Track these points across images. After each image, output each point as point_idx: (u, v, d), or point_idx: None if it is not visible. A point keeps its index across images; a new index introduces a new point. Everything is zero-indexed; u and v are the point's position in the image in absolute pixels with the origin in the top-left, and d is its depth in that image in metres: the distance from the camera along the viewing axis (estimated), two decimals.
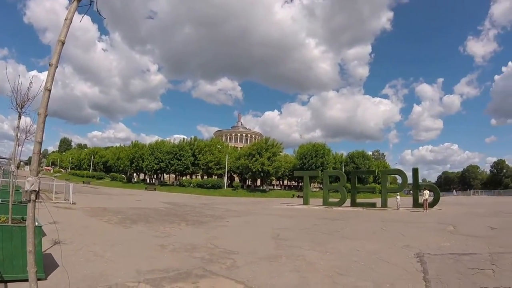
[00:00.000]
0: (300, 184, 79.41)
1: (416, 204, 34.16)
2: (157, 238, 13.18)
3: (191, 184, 76.62)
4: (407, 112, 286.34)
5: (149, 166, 79.90)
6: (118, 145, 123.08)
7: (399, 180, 45.77)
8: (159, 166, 79.35)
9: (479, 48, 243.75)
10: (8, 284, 6.56)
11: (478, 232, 16.17)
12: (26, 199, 3.75)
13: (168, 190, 70.46)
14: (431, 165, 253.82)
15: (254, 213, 27.96)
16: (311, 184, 71.30)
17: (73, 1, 4.03)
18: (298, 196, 59.52)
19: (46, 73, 3.76)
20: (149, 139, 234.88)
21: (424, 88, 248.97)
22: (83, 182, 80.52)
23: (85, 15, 4.62)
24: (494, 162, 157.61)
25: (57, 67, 3.81)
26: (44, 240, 8.84)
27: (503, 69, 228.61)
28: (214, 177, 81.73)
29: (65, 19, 3.89)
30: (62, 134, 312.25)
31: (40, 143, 3.73)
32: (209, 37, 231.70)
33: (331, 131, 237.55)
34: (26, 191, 3.73)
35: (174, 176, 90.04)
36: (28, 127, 9.96)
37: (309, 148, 79.04)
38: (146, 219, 19.64)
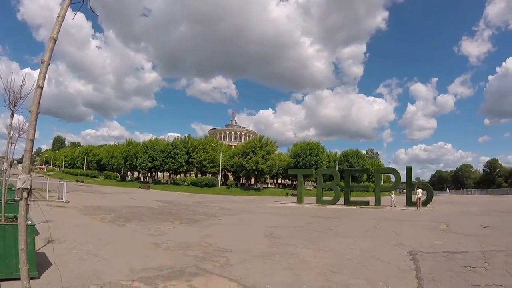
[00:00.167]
0: (294, 183, 79.55)
1: (410, 202, 34.32)
2: (150, 237, 13.17)
3: (185, 183, 76.42)
4: (401, 111, 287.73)
5: (143, 164, 79.57)
6: (112, 143, 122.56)
7: (393, 178, 45.84)
8: (153, 164, 79.07)
9: (473, 48, 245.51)
10: (2, 283, 6.53)
11: (471, 231, 16.30)
12: (18, 197, 3.74)
13: (162, 189, 70.30)
14: (424, 164, 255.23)
15: (248, 211, 27.97)
16: (305, 183, 71.39)
17: None
18: (292, 195, 59.55)
19: (39, 70, 3.75)
20: (143, 137, 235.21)
21: (418, 88, 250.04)
22: (77, 181, 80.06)
23: (79, 12, 4.60)
24: (487, 162, 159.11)
25: (49, 64, 3.79)
26: (37, 238, 8.81)
27: (497, 69, 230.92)
28: (208, 176, 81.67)
29: (57, 16, 3.86)
30: (55, 132, 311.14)
31: (32, 140, 3.71)
32: (204, 35, 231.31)
33: (326, 130, 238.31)
34: (18, 188, 3.71)
35: (168, 174, 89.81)
36: (21, 125, 9.91)
37: (303, 147, 79.08)
38: (139, 217, 19.61)
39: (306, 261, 9.72)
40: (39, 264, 7.40)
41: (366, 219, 22.87)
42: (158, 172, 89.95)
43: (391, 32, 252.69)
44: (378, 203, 35.55)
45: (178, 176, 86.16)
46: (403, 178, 38.81)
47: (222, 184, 77.21)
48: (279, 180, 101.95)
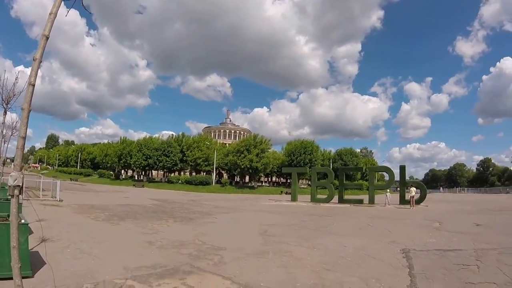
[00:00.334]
0: (289, 181, 79.49)
1: (403, 201, 34.51)
2: (144, 235, 13.15)
3: (179, 181, 76.32)
4: (396, 110, 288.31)
5: (137, 162, 79.26)
6: (106, 141, 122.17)
7: (387, 177, 45.98)
8: (147, 162, 78.78)
9: (468, 48, 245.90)
10: None
11: (464, 229, 16.42)
12: (9, 195, 3.73)
13: (156, 187, 70.19)
14: (418, 162, 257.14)
15: (242, 209, 27.99)
16: (299, 181, 71.25)
17: None
18: (286, 193, 59.67)
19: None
20: (137, 135, 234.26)
21: (413, 87, 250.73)
22: (71, 179, 79.76)
23: (74, 9, 4.59)
24: (481, 161, 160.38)
25: (41, 61, 3.78)
26: (31, 237, 8.77)
27: (491, 69, 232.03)
28: (203, 174, 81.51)
29: (49, 14, 3.85)
30: (49, 130, 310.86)
31: (24, 138, 3.71)
32: (199, 33, 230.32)
33: (320, 128, 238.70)
34: (10, 186, 3.70)
35: (163, 172, 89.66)
36: (14, 123, 9.90)
37: (297, 145, 79.11)
38: (134, 216, 19.57)
39: (300, 259, 9.75)
40: (33, 263, 7.37)
41: (360, 217, 22.98)
42: (152, 171, 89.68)
43: (386, 32, 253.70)
44: (372, 201, 35.69)
45: (172, 175, 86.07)
46: (397, 177, 38.99)
47: (217, 183, 77.13)
48: (274, 179, 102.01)
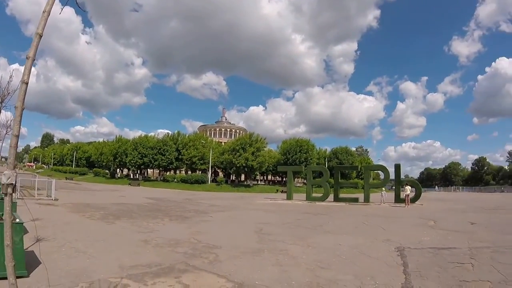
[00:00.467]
0: (284, 179, 79.74)
1: (398, 199, 34.63)
2: (140, 234, 13.14)
3: (175, 179, 76.31)
4: (391, 109, 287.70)
5: (132, 161, 79.11)
6: (101, 140, 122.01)
7: (382, 176, 46.13)
8: (142, 161, 78.66)
9: (463, 48, 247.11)
10: None
11: (458, 227, 16.50)
12: (3, 193, 3.72)
13: (152, 186, 70.17)
14: (413, 161, 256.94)
15: (238, 208, 28.02)
16: (295, 179, 71.46)
17: None
18: (282, 191, 59.71)
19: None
20: (133, 134, 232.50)
21: (408, 86, 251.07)
22: (66, 178, 79.62)
23: (69, 7, 4.58)
24: (476, 160, 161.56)
25: (34, 60, 3.77)
26: (26, 237, 8.74)
27: (487, 69, 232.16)
28: (198, 172, 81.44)
29: (43, 12, 3.84)
30: (44, 129, 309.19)
31: (17, 136, 3.69)
32: (195, 31, 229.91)
33: (316, 127, 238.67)
34: (3, 184, 3.69)
35: (158, 171, 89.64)
36: (8, 122, 9.85)
37: (292, 144, 79.18)
38: (129, 214, 19.55)
39: (295, 257, 9.77)
40: (28, 263, 7.35)
41: (355, 215, 23.04)
42: (148, 169, 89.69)
43: (382, 31, 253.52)
44: (367, 199, 35.78)
45: (168, 173, 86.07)
46: (392, 175, 39.04)
47: (212, 181, 77.21)
48: (269, 177, 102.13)
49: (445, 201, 42.57)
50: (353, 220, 20.09)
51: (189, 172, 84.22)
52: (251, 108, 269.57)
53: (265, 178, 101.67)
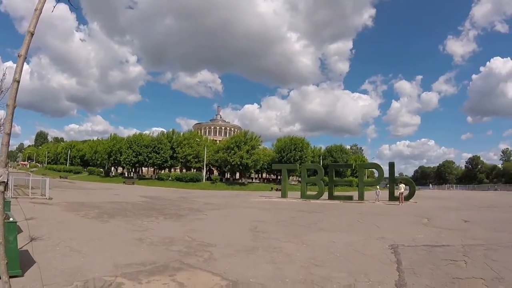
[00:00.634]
0: (279, 177, 79.66)
1: (392, 197, 34.76)
2: (134, 232, 13.14)
3: (170, 178, 76.16)
4: (386, 108, 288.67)
5: (127, 159, 78.84)
6: (95, 138, 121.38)
7: (376, 174, 46.29)
8: (137, 159, 78.43)
9: (458, 47, 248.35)
10: None
11: (452, 225, 16.60)
12: None
13: (147, 184, 69.99)
14: (408, 159, 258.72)
15: (233, 206, 28.01)
16: (290, 178, 71.63)
17: None
18: (277, 189, 59.68)
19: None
20: (127, 132, 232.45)
21: (403, 85, 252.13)
22: (60, 177, 79.36)
23: (63, 4, 4.56)
24: (469, 158, 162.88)
25: (26, 58, 3.76)
26: (20, 236, 8.73)
27: (481, 69, 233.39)
28: (193, 171, 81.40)
29: (35, 10, 3.83)
30: (38, 127, 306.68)
31: (9, 134, 3.69)
32: (190, 28, 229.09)
33: (310, 125, 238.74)
34: None
35: (153, 169, 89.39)
36: (1, 121, 9.80)
37: (287, 142, 79.21)
38: (123, 213, 19.53)
39: (289, 254, 9.81)
40: (22, 262, 7.34)
41: (349, 213, 23.10)
42: (143, 168, 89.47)
43: (377, 30, 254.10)
44: (361, 197, 35.85)
45: (162, 171, 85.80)
46: (386, 174, 39.21)
47: (207, 179, 77.06)
48: (264, 175, 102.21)
49: (439, 199, 42.76)
50: (347, 218, 20.15)
51: (184, 171, 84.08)
52: (246, 106, 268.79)
53: (259, 176, 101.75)
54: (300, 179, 53.37)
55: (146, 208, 23.19)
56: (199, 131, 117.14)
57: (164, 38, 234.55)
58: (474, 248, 10.81)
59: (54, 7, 4.43)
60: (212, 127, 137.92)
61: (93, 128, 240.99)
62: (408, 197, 34.31)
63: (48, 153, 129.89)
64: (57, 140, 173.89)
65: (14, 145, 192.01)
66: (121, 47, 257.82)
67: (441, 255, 9.78)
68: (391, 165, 38.77)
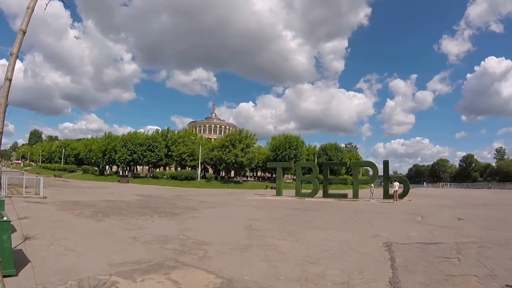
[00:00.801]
0: (274, 176, 79.69)
1: (387, 195, 34.88)
2: (129, 231, 13.12)
3: (165, 176, 75.93)
4: (380, 106, 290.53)
5: (121, 158, 78.42)
6: (90, 136, 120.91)
7: (371, 172, 46.49)
8: (132, 158, 78.03)
9: (453, 47, 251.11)
10: None
11: (446, 223, 16.73)
12: None
13: (141, 182, 69.78)
14: (402, 158, 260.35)
15: (227, 204, 28.00)
16: (285, 176, 71.59)
17: None
18: (272, 187, 59.67)
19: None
20: (122, 130, 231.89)
21: (398, 84, 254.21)
22: (54, 176, 78.97)
23: (57, 1, 4.54)
24: (463, 157, 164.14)
25: (18, 56, 3.76)
26: (14, 236, 8.70)
27: (476, 68, 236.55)
28: (188, 169, 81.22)
29: (27, 8, 3.82)
30: (32, 126, 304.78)
31: (1, 133, 3.68)
32: (185, 26, 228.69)
33: (305, 123, 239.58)
34: None
35: (148, 168, 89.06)
36: None
37: (281, 140, 79.09)
38: (118, 211, 19.48)
39: (284, 252, 9.85)
40: (17, 262, 7.31)
41: (344, 211, 23.18)
42: (137, 166, 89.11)
43: (373, 29, 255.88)
44: (356, 195, 35.95)
45: (157, 170, 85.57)
46: (381, 172, 39.33)
47: (202, 178, 76.92)
48: (259, 173, 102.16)
49: (433, 197, 42.96)
50: (342, 216, 20.21)
51: (179, 169, 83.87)
52: (241, 104, 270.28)
53: (254, 175, 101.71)
54: (295, 177, 53.41)
55: (141, 206, 23.14)
56: (194, 129, 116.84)
57: (159, 36, 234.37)
58: (468, 245, 10.90)
59: (47, 4, 4.42)
60: (207, 125, 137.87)
61: (88, 126, 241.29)
62: (402, 195, 34.50)
63: (42, 151, 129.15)
64: (51, 138, 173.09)
65: (7, 144, 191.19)
66: (115, 45, 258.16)
67: (434, 253, 9.86)
68: (386, 163, 38.89)
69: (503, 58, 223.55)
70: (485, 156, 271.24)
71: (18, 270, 7.11)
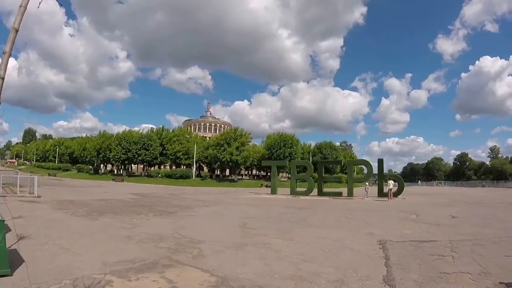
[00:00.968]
0: (269, 174, 79.71)
1: (381, 193, 35.01)
2: (124, 230, 13.09)
3: (159, 175, 75.91)
4: (375, 105, 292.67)
5: (116, 156, 78.21)
6: (84, 135, 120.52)
7: (366, 170, 46.61)
8: (126, 156, 77.81)
9: (448, 46, 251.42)
10: None
11: (440, 221, 16.82)
12: None
13: (136, 181, 69.61)
14: (397, 156, 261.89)
15: (222, 202, 28.01)
16: (279, 174, 71.81)
17: None
18: (267, 186, 59.82)
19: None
20: (117, 128, 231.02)
21: (393, 82, 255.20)
22: (49, 175, 78.56)
23: None
24: (458, 155, 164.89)
25: (10, 54, 3.75)
26: (8, 235, 8.66)
27: (470, 67, 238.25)
28: (183, 167, 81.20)
29: (19, 6, 3.81)
30: (26, 124, 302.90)
31: None
32: (180, 24, 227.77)
33: (301, 122, 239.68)
34: None
35: (142, 166, 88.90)
36: None
37: (276, 139, 79.26)
38: (113, 210, 19.42)
39: (278, 251, 9.87)
40: (11, 261, 7.26)
41: (339, 209, 23.25)
42: (132, 165, 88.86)
43: (368, 28, 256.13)
44: (350, 194, 36.11)
45: (152, 168, 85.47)
46: (375, 170, 39.50)
47: (197, 176, 76.96)
48: (254, 172, 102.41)
49: (427, 195, 43.22)
50: (336, 214, 20.27)
51: (174, 167, 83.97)
52: (236, 102, 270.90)
53: (249, 173, 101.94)
54: (289, 176, 53.51)
55: (136, 205, 23.09)
56: (189, 128, 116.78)
57: (154, 34, 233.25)
58: (462, 243, 10.99)
59: (40, 2, 4.40)
60: (202, 124, 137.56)
61: (82, 125, 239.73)
62: (396, 193, 34.69)
63: (36, 150, 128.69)
64: (46, 137, 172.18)
65: (1, 142, 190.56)
66: (110, 43, 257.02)
67: (429, 250, 9.93)
68: (380, 162, 39.14)
69: (498, 57, 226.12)
70: (479, 154, 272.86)
71: (13, 270, 7.08)
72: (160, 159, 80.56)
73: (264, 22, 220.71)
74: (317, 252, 9.80)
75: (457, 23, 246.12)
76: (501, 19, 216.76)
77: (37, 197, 24.36)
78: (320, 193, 37.24)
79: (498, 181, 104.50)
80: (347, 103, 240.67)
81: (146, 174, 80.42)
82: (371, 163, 40.49)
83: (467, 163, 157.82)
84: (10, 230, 10.58)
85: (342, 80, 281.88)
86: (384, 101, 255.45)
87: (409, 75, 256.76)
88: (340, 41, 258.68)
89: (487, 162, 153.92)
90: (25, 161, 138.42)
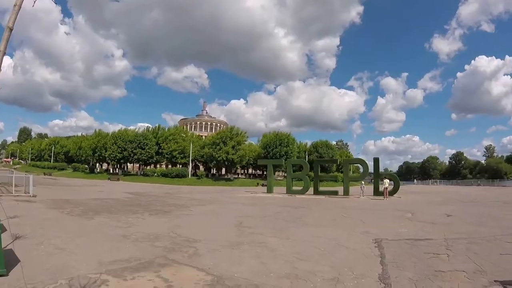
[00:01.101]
0: (265, 173, 79.79)
1: (377, 192, 35.09)
2: (119, 229, 13.06)
3: (155, 174, 75.90)
4: (371, 104, 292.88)
5: (112, 155, 78.01)
6: (80, 134, 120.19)
7: (361, 169, 46.69)
8: (122, 155, 77.65)
9: (444, 46, 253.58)
10: None
11: (435, 219, 16.87)
12: None
13: (132, 180, 69.52)
14: (393, 155, 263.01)
15: (218, 201, 28.00)
16: (275, 173, 71.76)
17: None
18: (263, 185, 59.82)
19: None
20: (112, 127, 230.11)
21: (389, 82, 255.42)
22: (44, 174, 78.39)
23: None
24: (453, 154, 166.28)
25: (5, 53, 3.73)
26: (4, 235, 8.63)
27: (466, 67, 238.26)
28: (179, 166, 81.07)
29: (14, 5, 3.80)
30: (21, 123, 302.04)
31: None
32: (176, 22, 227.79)
33: (297, 121, 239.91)
34: None
35: (138, 165, 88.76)
36: None
37: (272, 138, 79.25)
38: (108, 210, 19.38)
39: (274, 249, 9.89)
40: (7, 261, 7.25)
41: (334, 208, 23.29)
42: (128, 164, 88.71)
43: (364, 27, 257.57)
44: (346, 192, 36.16)
45: (148, 167, 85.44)
46: (371, 169, 39.61)
47: (193, 175, 76.94)
48: (250, 171, 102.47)
49: (423, 194, 43.28)
50: (332, 213, 20.31)
51: (170, 166, 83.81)
52: (232, 101, 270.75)
53: (245, 172, 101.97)
54: (285, 175, 53.58)
55: (131, 204, 23.06)
56: (185, 127, 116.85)
57: (150, 32, 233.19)
58: (457, 241, 11.04)
59: (35, 2, 4.38)
60: (198, 123, 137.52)
61: (78, 123, 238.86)
62: (392, 192, 34.75)
63: (31, 149, 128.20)
64: (41, 136, 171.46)
65: None
66: (106, 41, 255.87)
67: (424, 249, 9.97)
68: (376, 161, 39.25)
69: (494, 57, 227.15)
70: (475, 153, 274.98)
71: (9, 269, 7.06)
72: (156, 158, 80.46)
73: (260, 21, 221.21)
74: (312, 250, 9.82)
75: (453, 23, 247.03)
76: (497, 19, 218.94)
77: (33, 196, 24.27)
78: (316, 192, 37.31)
79: (493, 180, 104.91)
80: (343, 102, 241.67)
81: (142, 173, 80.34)
82: (367, 162, 40.70)
83: (463, 162, 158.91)
84: (6, 230, 10.55)
85: (338, 79, 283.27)
86: (380, 100, 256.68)
87: (405, 74, 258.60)
88: (337, 40, 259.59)
89: (483, 161, 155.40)
90: (21, 160, 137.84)
